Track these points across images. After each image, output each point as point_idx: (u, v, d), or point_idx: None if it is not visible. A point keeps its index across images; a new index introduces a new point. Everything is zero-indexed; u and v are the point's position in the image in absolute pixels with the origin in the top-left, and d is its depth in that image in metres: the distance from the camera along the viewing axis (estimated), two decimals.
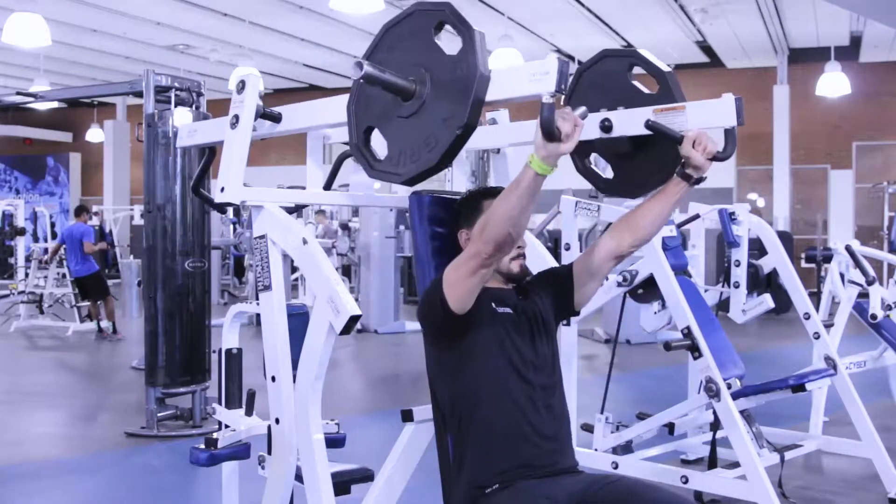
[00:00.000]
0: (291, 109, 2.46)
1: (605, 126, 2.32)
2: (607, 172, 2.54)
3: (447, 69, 1.86)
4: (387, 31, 2.00)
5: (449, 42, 1.92)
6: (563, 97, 1.80)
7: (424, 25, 1.94)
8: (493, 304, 2.21)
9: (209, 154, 2.81)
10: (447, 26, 1.91)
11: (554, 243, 11.05)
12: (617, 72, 2.41)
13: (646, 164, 2.37)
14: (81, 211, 10.23)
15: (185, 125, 2.66)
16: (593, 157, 2.54)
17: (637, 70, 2.44)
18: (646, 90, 2.38)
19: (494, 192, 2.32)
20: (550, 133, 1.80)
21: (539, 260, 2.56)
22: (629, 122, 2.30)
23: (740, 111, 2.20)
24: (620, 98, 2.38)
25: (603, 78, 2.44)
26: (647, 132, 2.27)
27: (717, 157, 2.21)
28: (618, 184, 2.51)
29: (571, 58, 15.00)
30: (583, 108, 1.88)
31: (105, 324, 9.99)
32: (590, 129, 2.32)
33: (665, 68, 2.33)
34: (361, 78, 1.85)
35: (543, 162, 1.85)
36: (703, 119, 2.22)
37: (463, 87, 1.82)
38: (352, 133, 2.06)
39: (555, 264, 2.60)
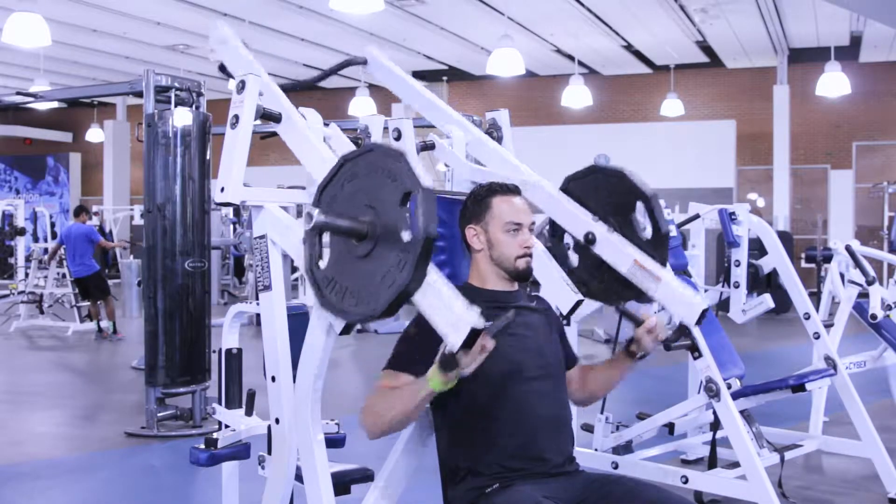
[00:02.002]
0: (287, 123, 2.40)
1: (588, 238, 2.40)
2: (573, 258, 2.57)
3: (396, 225, 1.82)
4: (343, 164, 1.97)
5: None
6: (460, 359, 1.83)
7: (379, 167, 1.89)
8: (486, 321, 2.22)
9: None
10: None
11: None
12: (625, 195, 2.42)
13: (605, 278, 2.43)
14: (81, 211, 10.23)
15: (220, 29, 2.44)
16: (566, 237, 2.57)
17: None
18: (642, 231, 2.39)
19: (504, 189, 2.33)
20: (448, 368, 1.87)
21: (540, 261, 2.56)
22: (610, 249, 2.37)
23: (700, 320, 2.29)
24: (617, 217, 2.42)
25: (610, 189, 2.46)
26: (620, 270, 2.35)
27: (664, 343, 2.34)
28: (576, 276, 2.53)
29: (571, 58, 15.03)
30: (503, 321, 1.88)
31: (105, 324, 9.99)
32: (574, 230, 2.41)
33: (664, 228, 2.35)
34: (312, 228, 1.85)
35: (443, 383, 1.91)
36: (669, 300, 2.30)
37: (405, 247, 1.79)
38: (307, 255, 2.01)
39: (557, 267, 2.60)
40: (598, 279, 2.47)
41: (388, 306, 1.80)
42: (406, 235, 1.78)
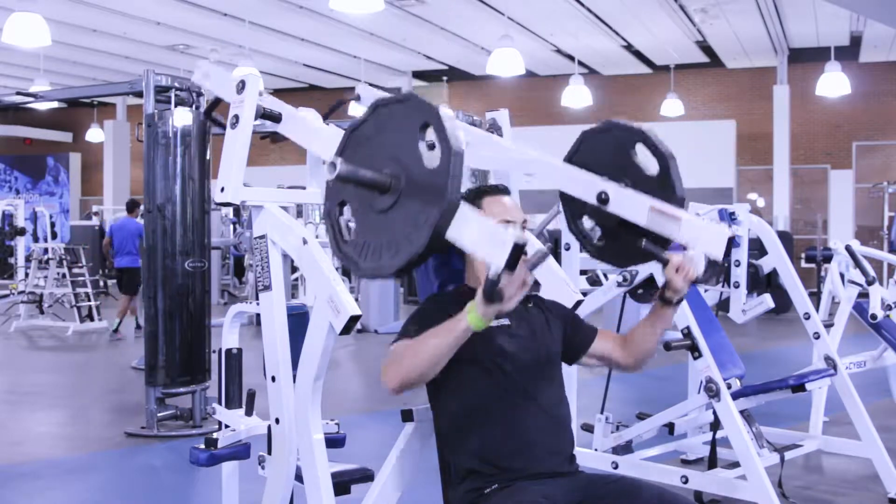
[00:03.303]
0: (289, 119, 2.42)
1: (602, 198, 2.34)
2: (596, 237, 2.55)
3: (423, 176, 1.79)
4: (353, 129, 1.95)
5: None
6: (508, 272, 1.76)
7: (392, 119, 1.88)
8: None
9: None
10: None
11: (554, 243, 11.04)
12: (622, 145, 2.40)
13: (633, 240, 2.37)
14: (134, 206, 10.17)
15: (202, 66, 2.58)
16: (584, 219, 2.55)
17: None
18: (646, 170, 2.36)
19: (494, 190, 2.33)
20: (491, 298, 1.81)
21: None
22: (625, 204, 2.31)
23: (729, 249, 2.26)
24: (622, 170, 2.38)
25: (606, 147, 2.43)
26: (638, 222, 2.29)
27: (697, 281, 2.29)
28: (607, 251, 2.50)
29: (571, 58, 15.03)
30: (540, 254, 1.86)
31: (127, 322, 10.05)
32: (587, 194, 2.35)
33: (667, 152, 2.32)
34: (336, 178, 1.80)
35: (481, 317, 1.87)
36: (694, 238, 2.24)
37: (430, 206, 1.76)
38: (326, 201, 1.99)
39: (557, 267, 2.60)
40: (624, 245, 2.42)
41: (430, 238, 1.74)
42: (433, 160, 1.75)
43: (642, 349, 2.39)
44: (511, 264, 1.73)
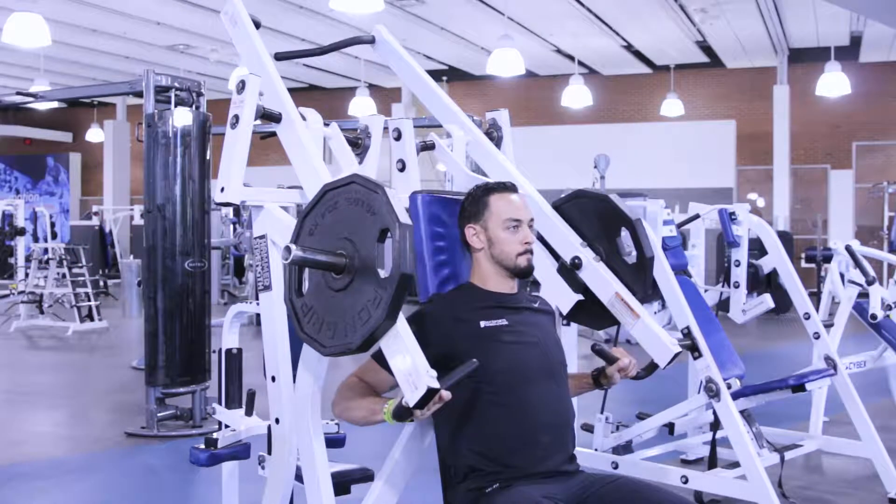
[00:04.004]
0: (285, 126, 2.38)
1: (574, 263, 2.45)
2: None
3: (373, 255, 1.83)
4: (324, 193, 1.97)
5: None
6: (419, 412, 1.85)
7: (359, 199, 1.90)
8: (480, 322, 2.22)
9: None
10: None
11: None
12: (611, 220, 2.47)
13: (587, 304, 2.47)
14: None
15: (233, 4, 2.49)
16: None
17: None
18: (627, 255, 2.44)
19: (501, 187, 2.34)
20: (402, 418, 1.90)
21: (540, 261, 2.56)
22: (594, 278, 2.43)
23: (670, 363, 2.38)
24: (601, 239, 2.48)
25: (595, 213, 2.52)
26: (601, 299, 2.42)
27: (632, 377, 2.39)
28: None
29: (571, 58, 15.03)
30: (466, 371, 1.91)
31: None
32: (563, 250, 2.47)
33: (633, 217, 2.41)
34: (291, 262, 1.86)
35: (396, 421, 1.94)
36: (642, 339, 2.37)
37: (382, 283, 1.80)
38: (286, 287, 2.02)
39: (555, 265, 2.60)
40: (587, 306, 2.51)
41: (363, 342, 1.82)
42: (383, 272, 1.80)
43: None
44: (420, 405, 1.80)
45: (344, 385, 2.21)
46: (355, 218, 1.89)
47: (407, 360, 1.83)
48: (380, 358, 2.14)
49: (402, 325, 1.85)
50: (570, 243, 2.42)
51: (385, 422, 1.98)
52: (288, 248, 1.86)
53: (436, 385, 1.79)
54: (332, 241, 1.91)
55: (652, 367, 2.42)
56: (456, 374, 1.89)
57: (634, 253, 2.40)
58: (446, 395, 1.84)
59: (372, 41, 2.72)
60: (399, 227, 1.78)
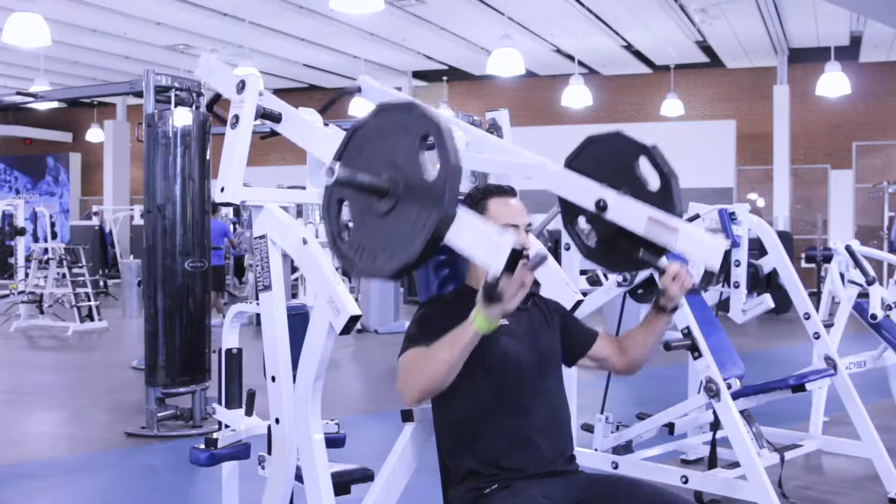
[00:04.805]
0: (289, 119, 2.42)
1: (600, 206, 2.33)
2: (591, 239, 2.55)
3: (421, 185, 1.80)
4: (354, 131, 1.96)
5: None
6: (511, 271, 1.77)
7: (394, 125, 1.88)
8: None
9: None
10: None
11: (554, 243, 11.04)
12: (625, 155, 2.39)
13: (628, 246, 2.37)
14: (215, 209, 10.35)
15: (204, 61, 2.62)
16: (581, 220, 2.55)
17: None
18: (648, 183, 2.36)
19: (500, 190, 2.33)
20: (491, 299, 1.83)
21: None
22: (623, 212, 2.30)
23: (727, 258, 2.21)
24: (624, 179, 2.37)
25: (609, 154, 2.43)
26: (636, 230, 2.28)
27: (691, 290, 2.31)
28: (599, 254, 2.50)
29: (571, 58, 15.02)
30: (539, 257, 1.86)
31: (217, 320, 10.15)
32: (585, 200, 2.35)
33: (672, 171, 2.31)
34: (334, 183, 1.82)
35: (487, 320, 1.88)
36: (690, 248, 2.24)
37: (427, 215, 1.77)
38: (329, 231, 2.02)
39: (557, 267, 2.60)
40: (618, 250, 2.43)
41: (426, 246, 1.75)
42: (432, 173, 1.76)
43: (635, 356, 2.42)
44: (509, 267, 1.74)
45: (405, 359, 2.11)
46: (391, 141, 1.85)
47: (478, 233, 1.78)
48: (419, 337, 2.10)
49: (462, 211, 1.80)
50: (589, 189, 2.33)
51: (476, 335, 1.90)
52: (331, 169, 1.80)
53: (518, 244, 1.74)
54: (372, 170, 1.86)
55: (708, 276, 2.34)
56: (536, 257, 1.85)
57: (656, 180, 2.33)
58: (529, 277, 1.81)
59: (358, 90, 2.77)
60: (439, 127, 1.75)
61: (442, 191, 1.73)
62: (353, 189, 1.86)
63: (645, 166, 2.35)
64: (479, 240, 1.79)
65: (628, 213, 2.28)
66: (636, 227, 2.27)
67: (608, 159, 2.42)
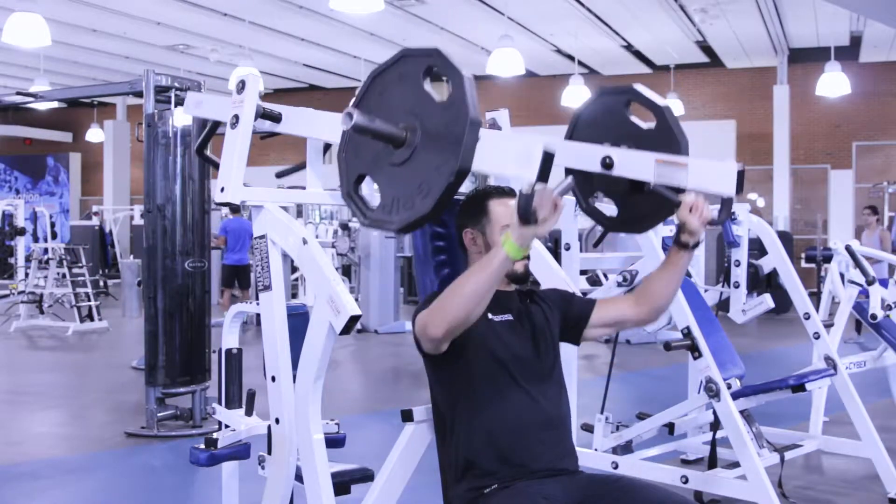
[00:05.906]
0: (290, 115, 2.44)
1: (606, 163, 2.28)
2: (611, 210, 2.54)
3: (437, 115, 1.80)
4: (374, 78, 1.95)
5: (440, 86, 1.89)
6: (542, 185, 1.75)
7: (413, 71, 1.89)
8: (489, 314, 2.21)
9: (214, 122, 2.76)
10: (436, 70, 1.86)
11: (554, 243, 11.04)
12: (615, 110, 2.39)
13: (647, 201, 2.36)
14: (239, 208, 10.38)
15: (192, 95, 2.70)
16: (597, 195, 2.54)
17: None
18: (643, 125, 2.35)
19: (500, 191, 2.32)
20: (526, 217, 1.79)
21: (541, 261, 2.56)
22: (630, 164, 2.26)
23: (741, 182, 2.18)
24: (621, 134, 2.36)
25: (601, 114, 2.43)
26: (646, 178, 2.24)
27: (712, 223, 2.25)
28: (622, 221, 2.50)
29: (571, 58, 15.02)
30: (568, 182, 1.85)
31: None
32: (591, 163, 2.30)
33: (661, 103, 2.31)
34: (352, 128, 1.80)
35: (517, 243, 1.85)
36: (702, 181, 2.19)
37: (453, 134, 1.76)
38: (343, 181, 2.02)
39: (557, 267, 2.60)
40: (639, 208, 2.42)
41: (446, 189, 1.74)
42: (444, 95, 1.77)
43: (658, 299, 2.35)
44: (543, 176, 1.71)
45: (426, 309, 2.07)
46: (409, 90, 1.84)
47: (506, 144, 1.75)
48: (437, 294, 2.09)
49: (484, 131, 1.77)
50: (593, 150, 2.29)
51: (506, 259, 1.86)
52: (349, 114, 1.79)
53: (550, 147, 1.71)
54: (391, 117, 1.85)
55: (727, 203, 2.29)
56: (565, 182, 1.83)
57: (652, 119, 2.31)
58: (560, 202, 1.79)
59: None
60: (461, 76, 1.74)
61: (462, 103, 1.70)
62: (371, 136, 1.85)
63: (637, 109, 2.34)
64: (508, 152, 1.77)
65: (635, 163, 2.24)
66: (646, 175, 2.22)
67: (601, 121, 2.42)
